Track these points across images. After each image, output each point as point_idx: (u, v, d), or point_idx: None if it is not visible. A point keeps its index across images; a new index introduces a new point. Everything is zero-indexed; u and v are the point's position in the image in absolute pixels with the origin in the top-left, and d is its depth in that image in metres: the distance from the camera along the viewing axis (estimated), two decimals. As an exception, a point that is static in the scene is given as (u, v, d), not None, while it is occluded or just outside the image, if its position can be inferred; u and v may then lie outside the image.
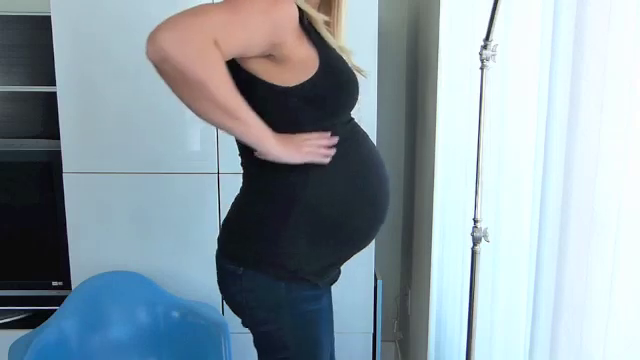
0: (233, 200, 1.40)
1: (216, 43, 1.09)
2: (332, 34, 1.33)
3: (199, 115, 1.18)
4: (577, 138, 0.99)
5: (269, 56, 1.20)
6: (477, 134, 1.36)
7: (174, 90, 1.14)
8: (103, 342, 2.11)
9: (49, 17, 2.08)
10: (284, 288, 1.29)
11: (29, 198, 2.39)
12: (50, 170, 2.28)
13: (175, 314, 2.15)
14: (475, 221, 1.38)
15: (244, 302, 1.33)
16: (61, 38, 2.10)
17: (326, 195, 1.28)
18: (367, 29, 2.09)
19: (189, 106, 1.16)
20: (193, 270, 2.22)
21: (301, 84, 1.22)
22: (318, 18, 1.25)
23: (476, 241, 1.38)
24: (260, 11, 1.15)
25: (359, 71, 1.36)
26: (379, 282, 2.30)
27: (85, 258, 2.21)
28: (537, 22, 1.18)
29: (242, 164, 1.37)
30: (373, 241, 1.53)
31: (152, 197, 2.19)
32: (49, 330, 2.01)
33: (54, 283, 2.37)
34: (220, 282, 1.38)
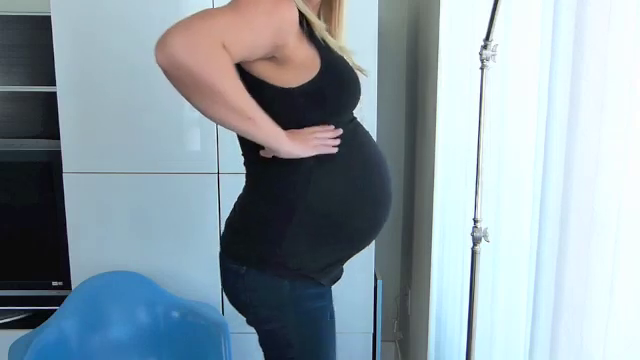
0: (236, 200, 1.40)
1: (224, 46, 1.10)
2: (333, 35, 1.34)
3: (210, 117, 1.19)
4: (577, 138, 0.99)
5: (271, 58, 1.22)
6: (477, 134, 1.36)
7: (185, 94, 1.14)
8: (103, 342, 2.11)
9: (49, 17, 2.08)
10: (288, 286, 1.30)
11: (29, 198, 2.39)
12: (50, 170, 2.28)
13: (175, 314, 2.15)
14: (475, 221, 1.38)
15: (248, 301, 1.34)
16: (61, 38, 2.10)
17: (328, 195, 1.29)
18: (367, 29, 2.10)
19: (200, 109, 1.16)
20: (193, 270, 2.23)
21: (303, 84, 1.23)
22: (317, 23, 1.26)
23: (476, 241, 1.38)
24: (263, 13, 1.16)
25: (360, 70, 1.37)
26: (379, 282, 2.30)
27: (85, 258, 2.21)
28: (537, 22, 1.18)
29: (245, 163, 1.37)
30: (373, 241, 1.53)
31: (152, 197, 2.19)
32: (49, 330, 2.02)
33: (54, 283, 2.37)
34: (224, 282, 1.39)
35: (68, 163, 2.17)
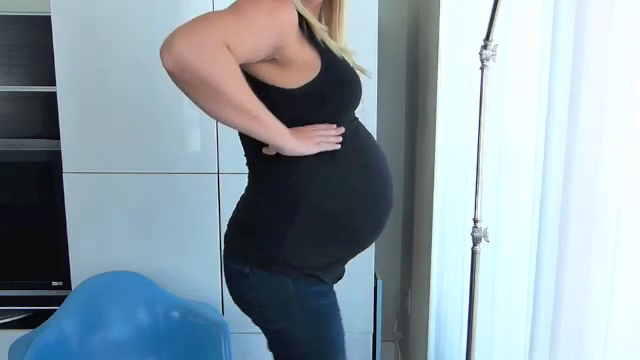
0: (238, 199, 1.41)
1: (229, 48, 1.11)
2: (333, 36, 1.36)
3: (215, 117, 1.20)
4: (577, 138, 0.99)
5: (272, 60, 1.23)
6: (477, 134, 1.36)
7: (190, 95, 1.15)
8: (103, 342, 2.11)
9: (49, 17, 2.08)
10: (292, 285, 1.31)
11: (29, 198, 2.39)
12: (50, 170, 2.28)
13: (175, 314, 2.15)
14: (475, 221, 1.38)
15: (254, 301, 1.34)
16: (61, 38, 2.10)
17: (329, 195, 1.29)
18: (367, 29, 2.09)
19: (205, 109, 1.17)
20: (193, 270, 2.22)
21: (304, 85, 1.24)
22: (317, 25, 1.26)
23: (476, 241, 1.38)
24: (264, 16, 1.17)
25: (362, 70, 1.37)
26: (379, 282, 2.30)
27: (85, 258, 2.21)
28: (537, 22, 1.18)
29: (247, 164, 1.38)
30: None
31: (152, 197, 2.19)
32: (49, 330, 2.01)
33: (54, 283, 2.37)
34: (228, 282, 1.39)
35: (68, 163, 2.17)
